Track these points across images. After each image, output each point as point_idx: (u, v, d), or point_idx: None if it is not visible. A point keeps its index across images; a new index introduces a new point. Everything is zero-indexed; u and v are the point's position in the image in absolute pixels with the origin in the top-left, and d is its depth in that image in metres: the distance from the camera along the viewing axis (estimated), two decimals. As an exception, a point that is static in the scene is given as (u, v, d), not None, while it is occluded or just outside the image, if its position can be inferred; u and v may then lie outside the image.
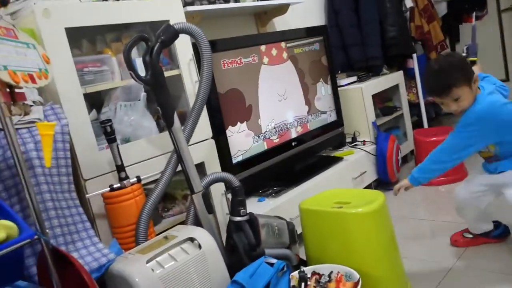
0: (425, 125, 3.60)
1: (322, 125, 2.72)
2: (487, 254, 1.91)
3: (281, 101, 2.44)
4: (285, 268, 1.45)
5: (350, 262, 1.56)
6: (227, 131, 2.12)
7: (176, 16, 1.84)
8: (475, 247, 1.97)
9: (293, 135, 2.51)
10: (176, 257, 1.34)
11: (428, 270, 1.87)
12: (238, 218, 1.67)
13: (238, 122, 2.20)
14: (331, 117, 2.80)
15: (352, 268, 1.51)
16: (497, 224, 1.98)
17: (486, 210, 1.88)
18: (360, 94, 2.92)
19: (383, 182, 2.92)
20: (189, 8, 2.09)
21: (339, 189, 1.88)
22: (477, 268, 1.81)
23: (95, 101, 1.73)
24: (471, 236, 2.00)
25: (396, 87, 3.29)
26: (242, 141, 2.22)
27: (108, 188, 1.54)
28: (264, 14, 2.81)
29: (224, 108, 2.13)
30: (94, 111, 1.68)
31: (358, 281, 1.43)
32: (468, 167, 2.94)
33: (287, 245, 1.76)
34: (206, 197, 1.63)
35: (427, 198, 2.68)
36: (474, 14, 3.90)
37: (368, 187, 2.82)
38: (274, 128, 2.39)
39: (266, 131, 2.35)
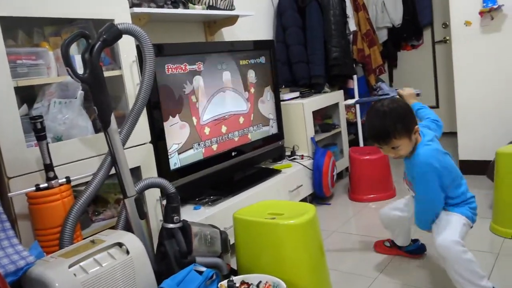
0: (361, 143, 3.77)
1: (263, 137, 2.76)
2: (407, 268, 2.03)
3: (223, 108, 2.47)
4: (214, 277, 1.45)
5: (279, 272, 1.59)
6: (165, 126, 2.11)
7: (122, 16, 1.81)
8: (397, 262, 2.09)
9: (234, 144, 2.53)
10: (102, 262, 1.30)
11: (353, 282, 1.95)
12: (171, 225, 1.65)
13: (177, 121, 2.19)
14: (273, 129, 2.86)
15: (282, 278, 1.54)
16: (415, 240, 2.12)
17: (405, 224, 2.02)
18: (301, 109, 3.01)
19: (318, 196, 3.02)
20: (136, 10, 2.06)
21: (273, 200, 1.92)
22: (397, 282, 1.92)
23: (27, 95, 1.65)
24: (389, 245, 2.17)
25: (336, 106, 3.43)
26: (178, 134, 2.21)
27: (34, 188, 1.46)
28: (213, 23, 2.83)
29: (164, 113, 2.11)
30: (25, 106, 1.60)
31: (284, 291, 1.47)
32: (398, 186, 3.12)
33: (218, 254, 1.76)
34: (139, 202, 1.60)
35: (357, 214, 2.80)
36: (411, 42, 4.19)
37: (304, 200, 2.90)
38: (215, 137, 2.40)
39: (206, 140, 2.35)
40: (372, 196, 2.96)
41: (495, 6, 2.87)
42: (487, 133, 3.11)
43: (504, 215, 2.20)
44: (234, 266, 1.84)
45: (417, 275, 1.95)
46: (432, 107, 4.69)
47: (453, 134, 3.94)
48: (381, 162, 2.96)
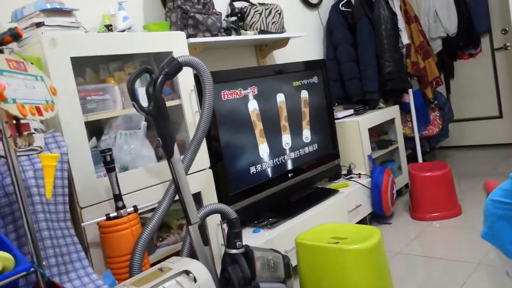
0: (420, 159, 3.64)
1: (318, 156, 2.73)
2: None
3: (280, 132, 2.47)
4: (280, 304, 1.44)
5: (345, 299, 1.55)
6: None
7: (179, 47, 1.88)
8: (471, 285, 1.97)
9: (290, 166, 2.52)
10: (171, 291, 1.33)
11: (423, 308, 1.86)
12: (233, 251, 1.66)
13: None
14: (328, 148, 2.82)
15: (347, 305, 1.50)
16: None
17: None
18: (356, 127, 2.95)
19: (378, 216, 2.93)
20: (192, 40, 2.14)
21: (335, 223, 1.88)
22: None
23: (95, 128, 1.74)
24: None
25: (392, 121, 3.34)
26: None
27: (105, 217, 1.53)
28: (265, 47, 2.87)
29: (222, 138, 2.15)
30: (94, 138, 1.69)
31: (354, 320, 1.42)
32: (463, 204, 2.96)
33: (282, 279, 1.74)
34: (203, 228, 1.62)
35: (421, 234, 2.68)
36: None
37: (363, 220, 2.82)
38: (272, 159, 2.41)
39: (264, 162, 2.36)
40: (435, 214, 2.83)
41: (562, 9, 2.70)
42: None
43: None
44: (297, 291, 1.81)
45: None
46: (494, 118, 4.48)
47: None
48: (443, 178, 2.83)
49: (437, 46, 4.27)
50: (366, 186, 2.82)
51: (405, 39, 3.39)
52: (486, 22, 4.24)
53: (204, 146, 1.93)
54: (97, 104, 1.66)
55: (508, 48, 4.20)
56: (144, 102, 1.54)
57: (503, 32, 4.21)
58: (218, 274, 1.70)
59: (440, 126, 3.83)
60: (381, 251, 1.62)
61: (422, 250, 2.47)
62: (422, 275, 2.18)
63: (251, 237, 2.15)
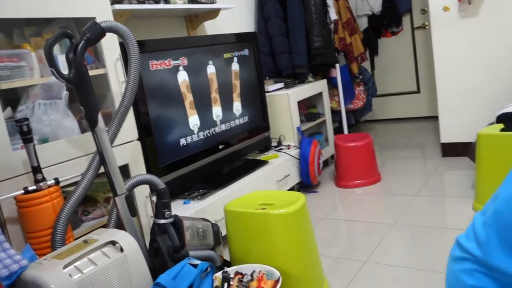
0: (345, 131, 3.83)
1: (249, 128, 2.78)
2: (395, 250, 2.08)
3: (211, 103, 2.47)
4: (208, 269, 1.48)
5: (272, 261, 1.63)
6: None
7: (103, 13, 1.80)
8: (386, 245, 2.15)
9: (220, 138, 2.54)
10: (96, 261, 1.31)
11: (343, 267, 2.00)
12: (162, 221, 1.66)
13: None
14: (259, 121, 2.88)
15: (275, 267, 1.57)
16: None
17: None
18: (286, 100, 3.03)
19: (305, 185, 3.07)
20: (117, 6, 2.04)
21: (263, 191, 1.94)
22: (387, 263, 1.97)
23: (10, 98, 1.63)
24: None
25: (320, 95, 3.47)
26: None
27: (22, 191, 1.46)
28: (195, 17, 2.82)
29: (151, 110, 2.11)
30: (9, 108, 1.59)
31: (279, 279, 1.50)
32: (383, 171, 3.18)
33: (211, 247, 1.78)
34: (130, 199, 1.60)
35: (344, 200, 2.85)
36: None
37: (291, 189, 2.94)
38: (202, 131, 2.41)
39: (194, 134, 2.36)
40: (358, 182, 3.02)
41: (471, -9, 2.93)
42: (468, 115, 3.19)
43: (485, 194, 2.27)
44: (227, 257, 1.87)
45: (406, 256, 2.01)
46: (413, 93, 4.80)
47: (435, 118, 4.03)
48: (365, 148, 3.01)
49: (363, 23, 4.46)
50: (294, 157, 2.93)
51: (333, 15, 3.49)
52: (407, 2, 4.49)
53: (131, 117, 1.88)
54: (11, 71, 1.55)
55: (426, 27, 4.49)
56: (65, 70, 1.47)
57: (422, 12, 4.49)
58: (147, 245, 1.70)
59: (365, 100, 4.04)
60: (306, 215, 1.71)
61: (345, 214, 2.63)
62: (344, 237, 2.33)
63: (181, 209, 2.16)
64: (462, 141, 3.19)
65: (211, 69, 2.49)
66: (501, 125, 2.24)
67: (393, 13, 4.49)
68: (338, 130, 3.98)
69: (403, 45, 4.70)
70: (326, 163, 3.61)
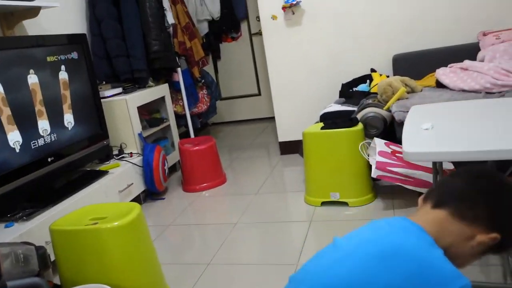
0: (192, 135, 3.86)
1: (84, 138, 2.58)
2: (240, 249, 2.17)
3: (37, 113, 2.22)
4: (28, 300, 1.31)
5: (107, 278, 1.53)
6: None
7: None
8: (229, 244, 2.22)
9: (49, 151, 2.30)
10: None
11: (188, 272, 2.00)
12: (-31, 252, 1.42)
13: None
14: (95, 129, 2.69)
15: (109, 284, 1.48)
16: None
17: None
18: (124, 105, 2.91)
19: (151, 192, 2.99)
20: None
21: (95, 204, 1.81)
22: (232, 263, 2.04)
23: None
24: None
25: (162, 99, 3.42)
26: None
27: None
28: (11, 15, 2.50)
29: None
30: None
31: (112, 297, 1.42)
32: (229, 172, 3.29)
33: (36, 272, 1.59)
34: None
35: (192, 204, 2.86)
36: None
37: (136, 198, 2.84)
38: (25, 147, 2.15)
39: (15, 151, 2.09)
40: (204, 185, 3.07)
41: (294, 2, 3.23)
42: (298, 115, 3.50)
43: (313, 186, 2.52)
44: (58, 281, 1.69)
45: (248, 253, 2.10)
46: (255, 95, 5.09)
47: (273, 118, 4.33)
48: (209, 151, 3.07)
49: (203, 28, 4.56)
50: (137, 165, 2.83)
51: (170, 19, 3.48)
52: (243, 10, 4.74)
53: None
54: None
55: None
56: None
57: (257, 19, 4.79)
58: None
59: (209, 104, 4.13)
60: (142, 225, 1.65)
61: (191, 219, 2.64)
62: (190, 241, 2.34)
63: (2, 233, 1.90)
64: (295, 139, 3.50)
65: (33, 79, 2.23)
66: (322, 124, 2.51)
67: (232, 19, 4.69)
68: (186, 134, 3.99)
69: (243, 50, 4.95)
70: (174, 169, 3.58)
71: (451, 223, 0.88)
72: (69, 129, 2.47)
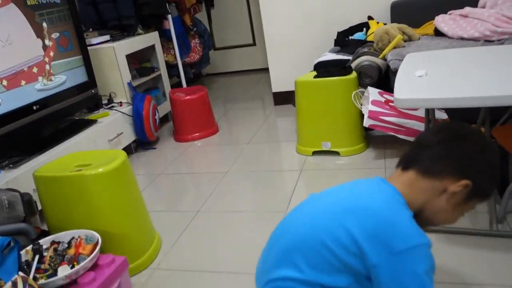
0: (184, 85, 3.78)
1: (70, 86, 2.51)
2: (230, 196, 2.17)
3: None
4: (11, 244, 1.31)
5: (93, 224, 1.53)
6: None
7: None
8: (220, 191, 2.22)
9: (35, 99, 2.24)
10: None
11: (178, 219, 2.01)
12: (-48, 197, 1.41)
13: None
14: (82, 77, 2.62)
15: (96, 230, 1.48)
16: None
17: None
18: (112, 53, 2.81)
19: (143, 142, 2.97)
20: None
21: (81, 152, 1.79)
22: (222, 210, 2.05)
23: None
24: None
25: (152, 48, 3.31)
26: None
27: None
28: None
29: None
30: None
31: (98, 241, 1.42)
32: (222, 123, 3.25)
33: (22, 218, 1.59)
34: None
35: (183, 153, 2.85)
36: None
37: (127, 147, 2.81)
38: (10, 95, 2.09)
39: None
40: (196, 134, 3.04)
41: None
42: (292, 65, 3.41)
43: (304, 136, 2.49)
44: (45, 227, 1.70)
45: (238, 201, 2.11)
46: (250, 45, 4.96)
47: (266, 70, 4.23)
48: (200, 100, 3.02)
49: (196, -27, 4.35)
50: (127, 114, 2.78)
51: (159, -38, 3.30)
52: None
53: None
54: None
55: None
56: None
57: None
58: None
59: (201, 53, 4.02)
60: (127, 172, 1.63)
61: (182, 168, 2.63)
62: (180, 190, 2.34)
63: (-12, 181, 1.88)
64: (289, 90, 3.43)
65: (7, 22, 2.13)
66: (315, 73, 2.44)
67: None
68: (178, 85, 3.91)
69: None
70: (166, 119, 3.54)
71: (421, 181, 0.90)
72: (55, 77, 2.40)
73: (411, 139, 2.22)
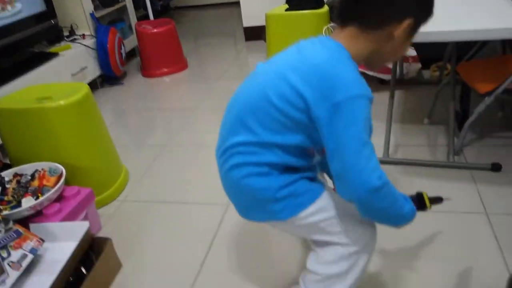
0: (151, 17, 3.61)
1: (26, 16, 2.36)
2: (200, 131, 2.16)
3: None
4: (-29, 176, 1.29)
5: (57, 157, 1.51)
6: None
7: None
8: (193, 119, 2.20)
9: (-12, 27, 2.10)
10: None
11: (144, 153, 2.00)
12: None
13: None
14: (38, 6, 2.45)
15: (60, 162, 1.46)
16: None
17: None
18: (71, -20, 2.63)
19: (109, 77, 2.87)
20: None
21: (42, 84, 1.72)
22: (190, 144, 2.05)
23: None
24: None
25: (116, -24, 3.11)
26: None
27: None
28: None
29: None
30: None
31: (62, 173, 1.41)
32: (191, 59, 3.17)
33: (-18, 152, 1.55)
34: None
35: (151, 89, 2.78)
36: None
37: (93, 82, 2.73)
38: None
39: None
40: (164, 70, 2.96)
41: None
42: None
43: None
44: (7, 160, 1.67)
45: (207, 136, 2.10)
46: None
47: (238, 3, 4.08)
48: (168, 34, 2.91)
49: None
50: (91, 47, 2.66)
51: None
52: None
53: None
54: None
55: None
56: None
57: None
58: None
59: (169, -16, 3.81)
60: (90, 105, 1.59)
61: (152, 103, 2.59)
62: (153, 124, 2.31)
63: None
64: (260, 25, 3.33)
65: None
66: (286, 6, 2.37)
67: None
68: (145, 17, 3.72)
69: None
70: (134, 54, 3.41)
71: (364, 34, 0.88)
72: (9, 6, 2.23)
73: (382, 76, 2.23)
